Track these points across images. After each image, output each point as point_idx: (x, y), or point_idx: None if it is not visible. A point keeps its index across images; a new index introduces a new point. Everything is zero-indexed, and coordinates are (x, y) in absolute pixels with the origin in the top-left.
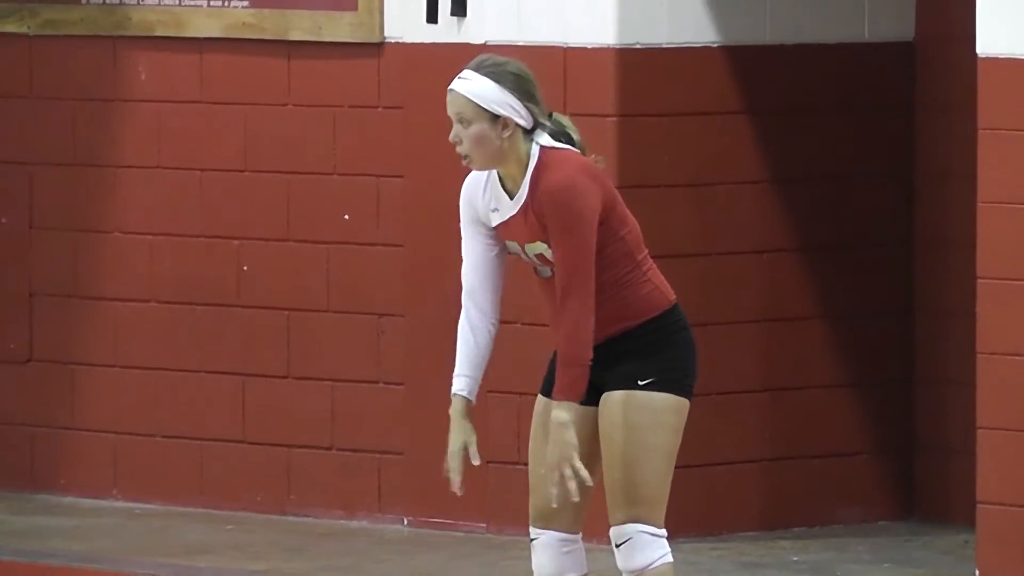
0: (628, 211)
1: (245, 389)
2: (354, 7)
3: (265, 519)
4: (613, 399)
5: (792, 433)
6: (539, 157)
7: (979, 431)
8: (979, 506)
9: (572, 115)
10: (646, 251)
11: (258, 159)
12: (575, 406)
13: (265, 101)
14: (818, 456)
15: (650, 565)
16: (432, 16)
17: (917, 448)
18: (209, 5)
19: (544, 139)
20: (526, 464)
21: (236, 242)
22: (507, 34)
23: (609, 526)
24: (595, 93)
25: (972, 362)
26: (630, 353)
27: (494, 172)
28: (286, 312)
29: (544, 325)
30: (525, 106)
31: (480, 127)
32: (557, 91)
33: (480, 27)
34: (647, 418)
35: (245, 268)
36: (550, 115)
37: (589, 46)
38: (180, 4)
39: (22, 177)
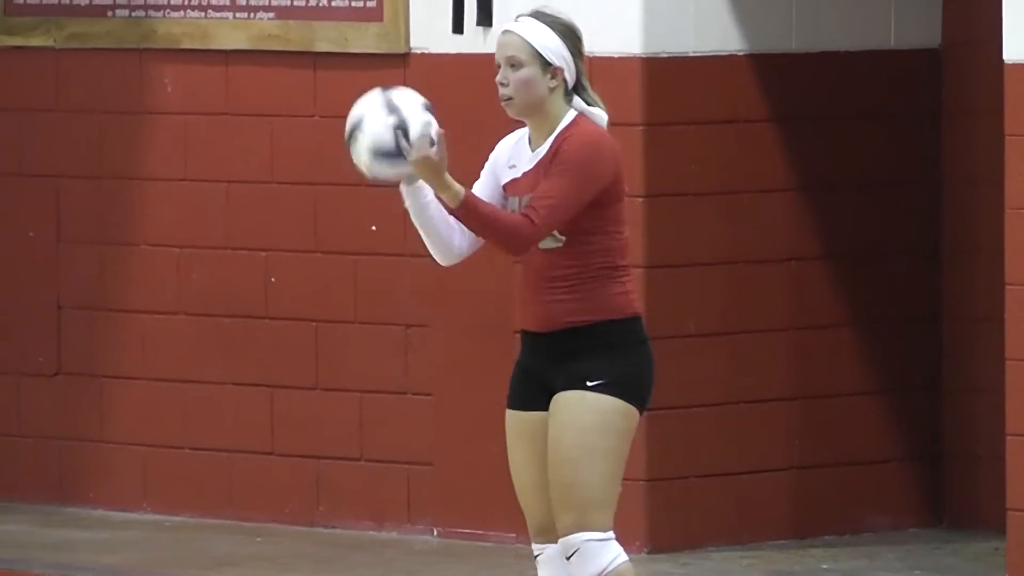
0: (626, 219)
1: (273, 400)
2: (380, 18)
3: (294, 530)
4: (562, 400)
5: (821, 441)
6: (572, 119)
7: (1008, 438)
8: (1009, 513)
9: None
10: (629, 262)
11: (285, 170)
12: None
13: (291, 112)
14: (847, 464)
15: (605, 570)
16: (458, 26)
17: (946, 455)
18: (235, 17)
19: (582, 106)
20: None
21: (263, 254)
22: None
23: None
24: (621, 102)
25: (1001, 368)
26: (584, 351)
27: (526, 136)
28: (314, 323)
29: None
30: (575, 62)
31: (531, 71)
32: None
33: None
34: (593, 419)
35: (273, 279)
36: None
37: (615, 55)
38: (206, 16)
39: (49, 190)
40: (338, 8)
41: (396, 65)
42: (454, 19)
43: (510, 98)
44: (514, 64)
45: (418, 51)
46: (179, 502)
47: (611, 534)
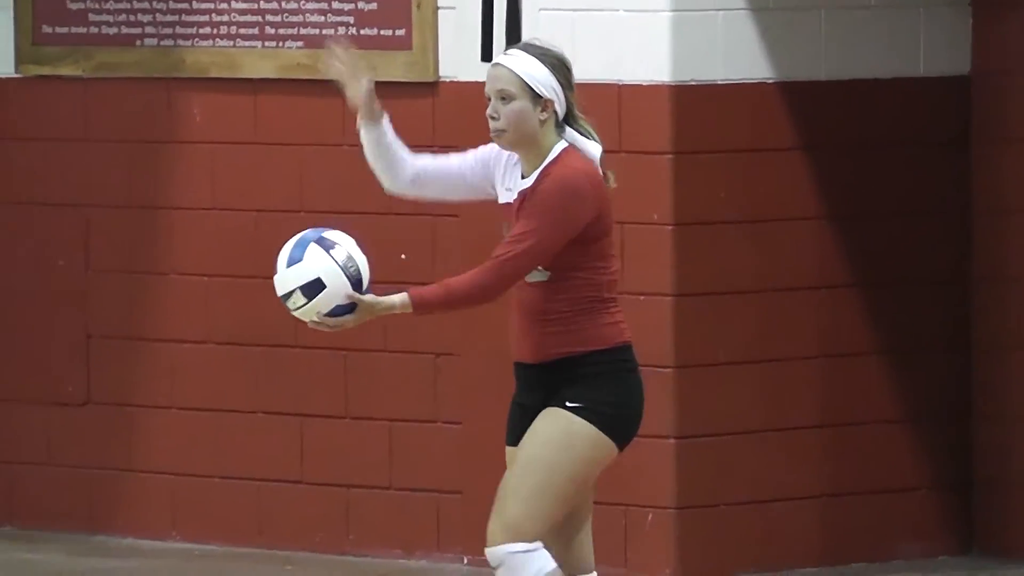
0: (615, 253)
1: (303, 429)
2: (408, 46)
3: (324, 559)
4: (541, 413)
5: (851, 469)
6: (559, 153)
7: None
8: None
9: (627, 153)
10: (616, 296)
11: (313, 199)
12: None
13: (320, 141)
14: (878, 491)
15: None
16: (487, 54)
17: (977, 483)
18: (263, 46)
19: (574, 137)
20: None
21: None
22: None
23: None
24: (650, 130)
25: None
26: (571, 381)
27: (519, 162)
28: (343, 352)
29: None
30: (565, 94)
31: (522, 104)
32: (612, 129)
33: None
34: (560, 437)
35: None
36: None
37: (644, 83)
38: (234, 45)
39: (78, 220)
40: (367, 37)
41: (425, 94)
42: (483, 47)
43: (502, 131)
44: (504, 97)
45: (447, 79)
46: (209, 531)
47: (538, 544)
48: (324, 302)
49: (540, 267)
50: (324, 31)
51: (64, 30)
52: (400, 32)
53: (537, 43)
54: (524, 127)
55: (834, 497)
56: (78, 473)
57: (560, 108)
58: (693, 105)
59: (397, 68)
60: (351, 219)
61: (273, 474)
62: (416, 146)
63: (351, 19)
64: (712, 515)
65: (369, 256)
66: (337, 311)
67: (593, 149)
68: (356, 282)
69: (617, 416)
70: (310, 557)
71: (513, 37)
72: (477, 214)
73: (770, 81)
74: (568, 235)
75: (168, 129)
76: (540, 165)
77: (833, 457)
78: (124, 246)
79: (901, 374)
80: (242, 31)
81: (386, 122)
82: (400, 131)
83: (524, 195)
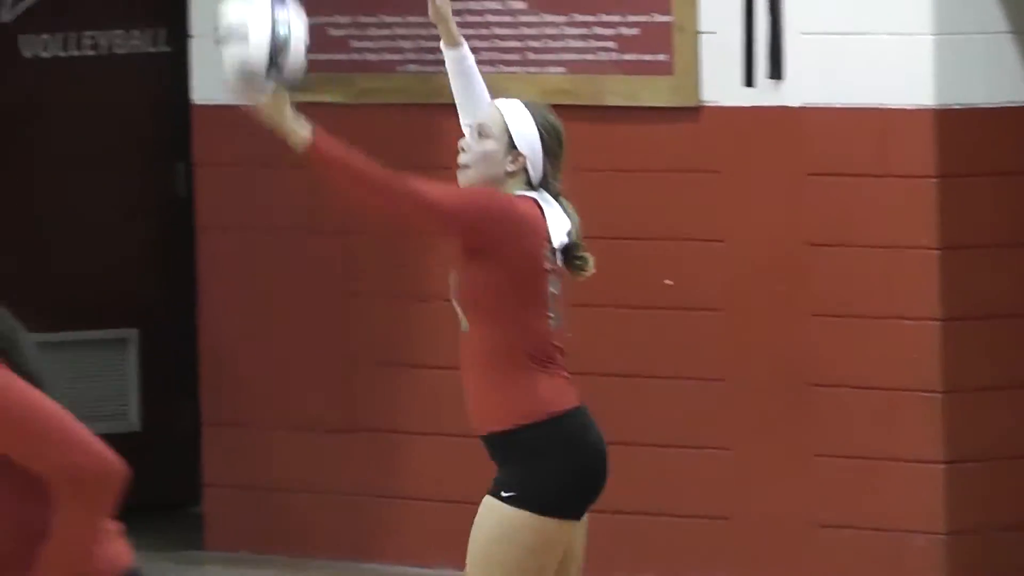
0: (540, 318)
1: None
2: (670, 71)
3: None
4: (482, 504)
5: None
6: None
7: None
8: None
9: (893, 177)
10: (552, 359)
11: (587, 224)
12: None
13: (580, 166)
14: None
15: None
16: (749, 79)
17: None
18: (526, 71)
19: (546, 199)
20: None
21: (591, 309)
22: (824, 97)
23: None
24: (915, 154)
25: None
26: (507, 460)
27: None
28: (615, 378)
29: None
30: (544, 159)
31: (494, 145)
32: (876, 153)
33: (797, 90)
34: (496, 530)
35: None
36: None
37: (907, 107)
38: (497, 71)
39: (340, 245)
40: (628, 62)
41: (688, 119)
42: (745, 72)
43: (465, 166)
44: (481, 133)
45: (710, 104)
46: None
47: None
48: (240, 55)
49: (460, 312)
50: (586, 56)
51: (326, 57)
52: (662, 57)
53: (544, 107)
54: (488, 169)
55: None
56: (346, 500)
57: (533, 170)
58: (957, 128)
59: (660, 93)
60: (619, 244)
61: None
62: (678, 170)
63: (613, 44)
64: (982, 541)
65: (635, 282)
66: (256, 74)
67: (560, 221)
68: (278, 49)
69: (556, 492)
70: None
71: (775, 61)
72: (744, 239)
73: None
74: (481, 222)
75: (430, 155)
76: None
77: None
78: (387, 271)
79: None
80: (505, 57)
81: (466, 48)
82: (662, 155)
83: None
